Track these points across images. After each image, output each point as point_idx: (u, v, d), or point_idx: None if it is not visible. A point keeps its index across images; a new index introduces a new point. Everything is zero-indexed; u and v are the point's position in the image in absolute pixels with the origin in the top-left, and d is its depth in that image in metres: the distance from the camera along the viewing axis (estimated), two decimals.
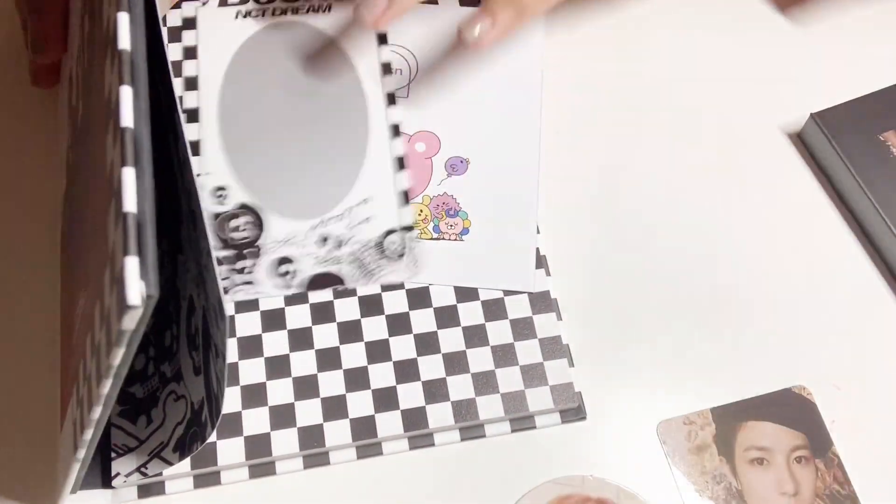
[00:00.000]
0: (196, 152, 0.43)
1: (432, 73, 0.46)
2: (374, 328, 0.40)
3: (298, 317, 0.40)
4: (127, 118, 0.25)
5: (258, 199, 0.42)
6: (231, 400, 0.38)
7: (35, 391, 0.39)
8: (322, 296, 0.41)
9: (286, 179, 0.43)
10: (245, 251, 0.41)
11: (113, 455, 0.36)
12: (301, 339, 0.40)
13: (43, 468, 0.37)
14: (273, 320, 0.40)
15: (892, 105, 0.46)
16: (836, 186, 0.46)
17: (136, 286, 0.22)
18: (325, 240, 0.42)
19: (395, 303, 0.41)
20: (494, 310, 0.41)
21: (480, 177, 0.44)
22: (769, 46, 0.50)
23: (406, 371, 0.39)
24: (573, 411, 0.40)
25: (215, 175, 0.43)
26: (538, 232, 0.43)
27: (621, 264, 0.44)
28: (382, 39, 0.46)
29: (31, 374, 0.40)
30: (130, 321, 0.23)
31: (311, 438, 0.37)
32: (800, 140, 0.48)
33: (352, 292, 0.41)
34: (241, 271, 0.41)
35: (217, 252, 0.41)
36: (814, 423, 0.40)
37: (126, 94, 0.26)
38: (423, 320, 0.40)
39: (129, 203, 0.23)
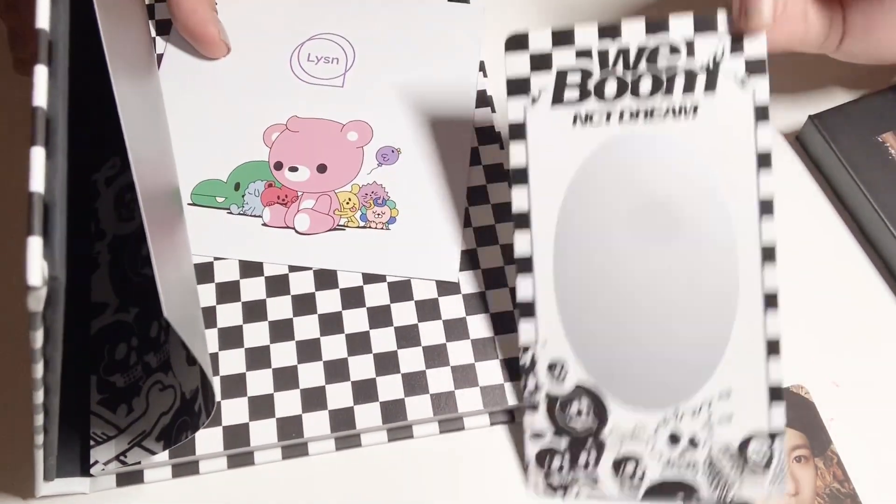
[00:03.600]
0: (531, 313, 0.38)
1: (369, 63, 0.48)
2: (356, 320, 0.42)
3: (280, 307, 0.42)
4: (39, 97, 0.25)
5: (597, 379, 0.37)
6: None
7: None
8: (305, 287, 0.42)
9: (633, 357, 0.37)
10: (587, 443, 0.37)
11: (92, 443, 0.38)
12: (282, 330, 0.41)
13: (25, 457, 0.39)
14: (254, 311, 0.42)
15: (891, 106, 0.47)
16: (834, 188, 0.47)
17: (38, 266, 0.23)
18: (676, 438, 0.37)
19: (378, 295, 0.42)
20: (475, 304, 0.42)
21: (411, 167, 0.45)
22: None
23: (386, 363, 0.40)
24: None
25: (551, 346, 0.37)
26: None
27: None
28: (765, 161, 0.36)
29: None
30: (35, 302, 0.23)
31: (290, 429, 0.39)
32: (798, 142, 0.49)
33: (333, 285, 0.42)
34: (585, 466, 0.37)
35: (555, 442, 0.38)
36: (812, 422, 0.41)
37: (40, 72, 0.26)
38: (404, 312, 0.42)
39: (36, 182, 0.24)
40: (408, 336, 0.41)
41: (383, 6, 0.49)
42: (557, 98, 0.37)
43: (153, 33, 0.48)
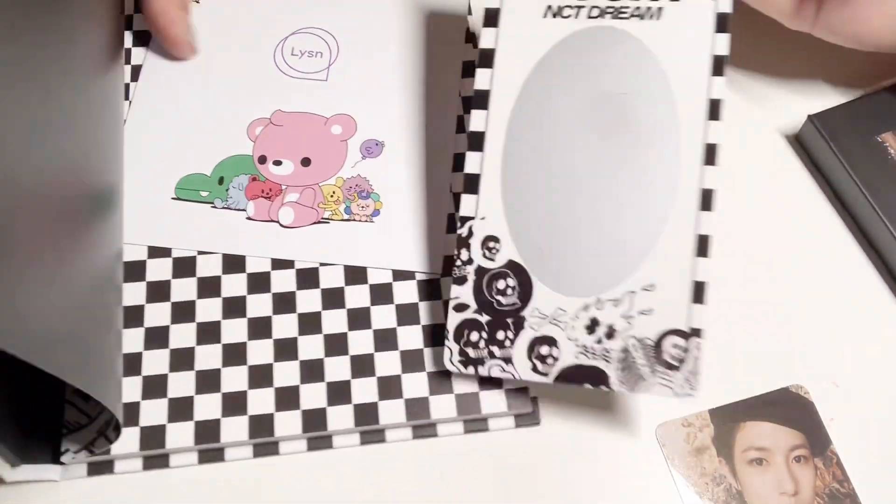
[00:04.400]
0: (474, 189, 0.39)
1: (353, 57, 0.49)
2: (335, 320, 0.42)
3: (259, 304, 0.42)
4: None
5: (528, 259, 0.38)
6: (185, 384, 0.39)
7: None
8: (286, 285, 0.42)
9: (565, 242, 0.38)
10: (508, 319, 0.38)
11: (64, 431, 0.38)
12: (260, 328, 0.41)
13: None
14: (234, 306, 0.42)
15: (890, 106, 0.47)
16: (833, 187, 0.47)
17: None
18: (595, 326, 0.37)
19: (358, 297, 0.42)
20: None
21: (395, 160, 0.46)
22: (767, 47, 0.52)
23: (363, 366, 0.40)
24: (528, 416, 0.41)
25: (489, 222, 0.39)
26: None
27: None
28: (718, 67, 0.38)
29: None
30: None
31: (262, 428, 0.39)
32: (797, 142, 0.49)
33: (314, 284, 0.42)
34: (500, 344, 0.38)
35: (477, 316, 0.39)
36: (812, 422, 0.41)
37: None
38: (384, 315, 0.42)
39: None
40: (386, 339, 0.41)
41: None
42: None
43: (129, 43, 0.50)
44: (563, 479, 0.40)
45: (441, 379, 0.40)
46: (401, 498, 0.39)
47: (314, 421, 0.39)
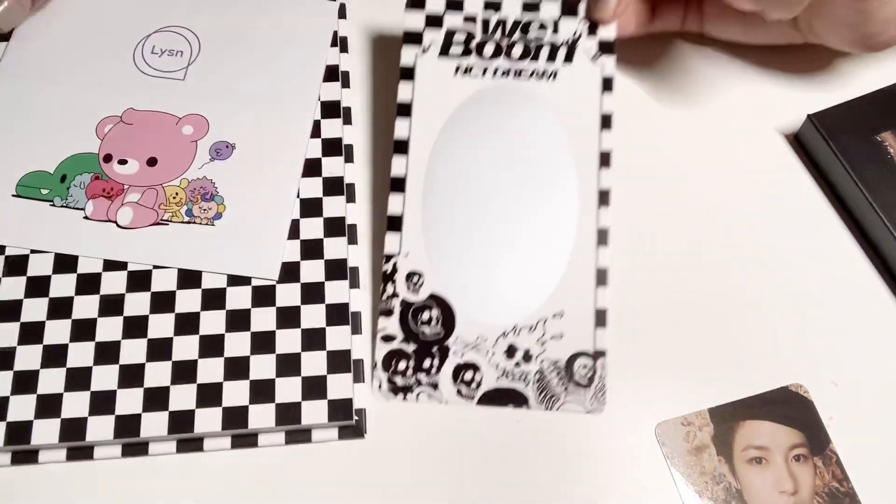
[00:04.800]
0: (397, 227, 0.53)
1: (214, 57, 0.59)
2: (162, 324, 0.51)
3: (137, 302, 0.51)
4: None
5: (449, 292, 0.52)
6: (54, 381, 0.49)
7: None
8: (116, 287, 0.51)
9: (483, 276, 0.52)
10: (433, 349, 0.51)
11: None
12: (135, 326, 0.51)
13: None
14: (60, 307, 0.51)
15: (889, 106, 0.55)
16: (833, 187, 0.55)
17: None
18: (513, 351, 0.50)
19: (189, 301, 0.51)
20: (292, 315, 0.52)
21: (245, 163, 0.55)
22: (766, 48, 0.60)
23: (237, 369, 0.49)
24: (351, 429, 0.50)
25: (412, 258, 0.52)
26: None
27: (616, 265, 0.54)
28: (606, 122, 0.53)
29: None
30: None
31: (128, 428, 0.48)
32: (797, 141, 0.57)
33: (145, 287, 0.51)
34: (427, 371, 0.51)
35: (404, 345, 0.51)
36: (811, 421, 0.50)
37: None
38: (264, 318, 0.51)
39: None
40: (264, 342, 0.50)
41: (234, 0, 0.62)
42: (444, 51, 0.55)
43: None
44: (564, 479, 0.49)
45: (264, 387, 0.49)
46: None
47: (129, 426, 0.48)
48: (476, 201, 0.52)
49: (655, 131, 0.58)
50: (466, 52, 0.55)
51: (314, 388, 0.49)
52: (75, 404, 0.49)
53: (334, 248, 0.53)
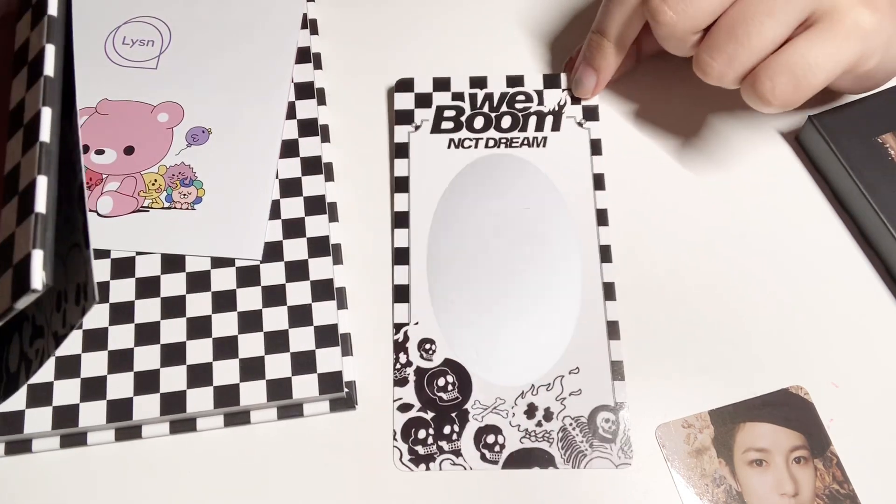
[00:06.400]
0: (405, 299, 0.54)
1: (186, 45, 0.60)
2: (148, 309, 0.52)
3: (122, 288, 0.53)
4: (44, 133, 0.38)
5: (463, 357, 0.53)
6: (44, 370, 0.50)
7: None
8: (100, 275, 0.52)
9: (495, 339, 0.53)
10: (452, 414, 0.52)
11: None
12: (121, 312, 0.52)
13: None
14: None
15: (890, 107, 0.57)
16: (834, 188, 0.56)
17: (39, 275, 0.34)
18: (533, 410, 0.51)
19: (174, 285, 0.53)
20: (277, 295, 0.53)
21: (221, 148, 0.57)
22: None
23: (226, 349, 0.51)
24: (342, 401, 0.52)
25: (423, 326, 0.54)
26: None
27: (617, 267, 0.55)
28: (599, 183, 0.57)
29: None
30: (23, 302, 0.35)
31: (121, 411, 0.49)
32: (797, 142, 0.58)
33: (129, 273, 0.52)
34: (448, 438, 0.51)
35: (422, 413, 0.52)
36: (812, 423, 0.51)
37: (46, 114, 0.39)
38: (250, 298, 0.52)
39: (40, 204, 0.36)
40: (200, 327, 0.52)
41: None
42: (436, 128, 0.60)
43: None
44: (564, 479, 0.50)
45: (253, 365, 0.51)
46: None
47: (121, 410, 0.49)
48: (480, 266, 0.55)
49: (656, 132, 0.59)
50: (458, 126, 0.59)
51: (303, 362, 0.50)
52: (66, 391, 0.50)
53: (316, 225, 0.54)
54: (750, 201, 0.56)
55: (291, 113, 0.57)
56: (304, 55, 0.59)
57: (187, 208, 0.54)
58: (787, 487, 0.49)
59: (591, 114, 0.59)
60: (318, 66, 0.60)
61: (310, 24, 0.61)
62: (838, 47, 0.49)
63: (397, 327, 0.54)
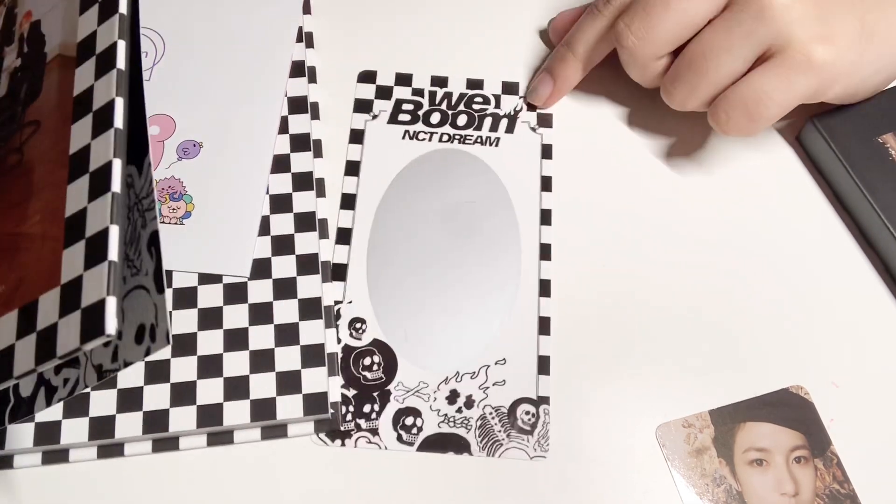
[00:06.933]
0: (342, 277, 0.56)
1: (180, 56, 0.61)
2: (185, 320, 0.53)
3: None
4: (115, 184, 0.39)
5: (392, 339, 0.55)
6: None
7: None
8: None
9: (426, 324, 0.55)
10: (374, 393, 0.53)
11: None
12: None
13: None
14: None
15: (891, 108, 0.57)
16: (834, 189, 0.56)
17: (113, 321, 0.36)
18: (455, 397, 0.53)
19: (211, 296, 0.53)
20: (263, 313, 0.53)
21: (211, 162, 0.57)
22: None
23: (210, 367, 0.51)
24: (327, 422, 0.52)
25: (356, 305, 0.55)
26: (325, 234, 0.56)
27: (618, 267, 0.56)
28: (546, 185, 0.59)
29: None
30: (93, 345, 0.36)
31: (103, 429, 0.50)
32: (798, 143, 0.59)
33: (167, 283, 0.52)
34: (367, 416, 0.52)
35: (345, 391, 0.53)
36: (812, 423, 0.52)
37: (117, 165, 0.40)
38: (237, 315, 0.53)
39: (113, 253, 0.37)
40: (237, 339, 0.52)
41: None
42: (393, 119, 0.62)
43: None
44: (565, 480, 0.50)
45: (238, 384, 0.51)
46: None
47: (103, 427, 0.50)
48: (420, 252, 0.57)
49: (656, 132, 0.59)
50: (415, 119, 0.62)
51: (289, 382, 0.51)
52: (51, 408, 0.50)
53: (305, 243, 0.55)
54: (751, 201, 0.56)
55: (284, 127, 0.57)
56: (298, 69, 0.59)
57: (176, 223, 0.54)
58: (787, 487, 0.50)
59: (545, 121, 0.61)
60: (312, 80, 0.60)
61: (305, 38, 0.61)
62: (791, 81, 0.51)
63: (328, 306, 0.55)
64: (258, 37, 0.61)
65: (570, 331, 0.54)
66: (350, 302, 0.55)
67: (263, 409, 0.50)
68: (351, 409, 0.52)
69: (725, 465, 0.51)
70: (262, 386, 0.51)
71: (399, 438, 0.52)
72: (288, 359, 0.51)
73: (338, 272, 0.56)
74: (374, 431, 0.52)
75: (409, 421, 0.52)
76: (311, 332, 0.52)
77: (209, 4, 0.62)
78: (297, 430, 0.51)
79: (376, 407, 0.52)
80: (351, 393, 0.52)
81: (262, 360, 0.51)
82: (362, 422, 0.52)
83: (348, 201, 0.58)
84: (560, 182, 0.58)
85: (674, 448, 0.51)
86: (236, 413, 0.50)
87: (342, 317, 0.55)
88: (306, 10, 0.63)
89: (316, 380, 0.51)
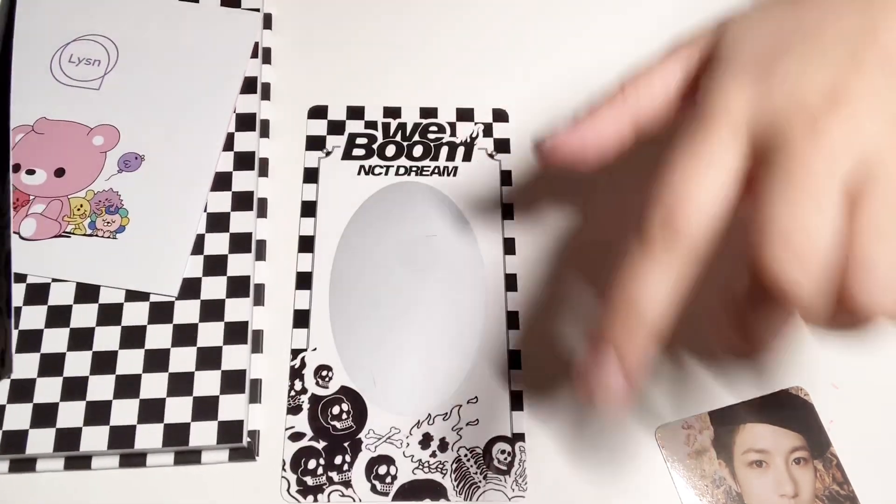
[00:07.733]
0: (304, 324, 0.55)
1: (131, 66, 0.60)
2: (55, 339, 0.52)
3: (32, 316, 0.52)
4: None
5: (360, 385, 0.54)
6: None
7: None
8: (63, 297, 0.52)
9: (393, 367, 0.54)
10: (345, 444, 0.52)
11: None
12: (28, 341, 0.52)
13: None
14: None
15: None
16: None
17: None
18: (428, 441, 0.52)
19: (84, 317, 0.52)
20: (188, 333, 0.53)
21: (152, 176, 0.56)
22: None
23: (128, 388, 0.51)
24: (242, 451, 0.51)
25: (321, 352, 0.55)
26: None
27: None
28: (508, 212, 0.59)
29: None
30: None
31: (14, 443, 0.49)
32: None
33: (42, 301, 0.52)
34: (339, 468, 0.52)
35: (314, 443, 0.52)
36: (812, 424, 0.53)
37: None
38: (160, 336, 0.52)
39: None
40: (105, 362, 0.51)
41: (156, 9, 0.62)
42: (347, 154, 0.61)
43: None
44: (565, 480, 0.51)
45: (153, 407, 0.50)
46: None
47: (15, 442, 0.49)
48: (383, 292, 0.56)
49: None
50: (369, 153, 0.61)
51: (205, 408, 0.50)
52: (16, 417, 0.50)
53: (239, 264, 0.54)
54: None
55: (230, 144, 0.57)
56: (250, 85, 0.59)
57: (109, 237, 0.53)
58: (786, 488, 0.51)
59: (502, 146, 0.61)
60: (265, 96, 0.60)
61: (262, 54, 0.60)
62: None
63: (294, 353, 0.54)
64: (212, 50, 0.60)
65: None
66: (314, 349, 0.54)
67: (177, 435, 0.49)
68: (322, 461, 0.51)
69: (725, 466, 0.52)
70: (178, 410, 0.50)
71: (373, 489, 0.51)
72: (207, 384, 0.51)
73: (300, 319, 0.55)
74: (347, 484, 0.51)
75: (382, 470, 0.51)
76: (235, 357, 0.51)
77: (165, 15, 0.61)
78: (211, 458, 0.50)
79: (347, 458, 0.52)
80: (321, 445, 0.52)
81: (180, 384, 0.51)
82: (334, 475, 0.51)
83: (307, 244, 0.58)
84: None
85: (673, 449, 0.52)
86: (149, 437, 0.49)
87: (307, 365, 0.54)
88: (267, 24, 0.62)
89: (234, 407, 0.50)
